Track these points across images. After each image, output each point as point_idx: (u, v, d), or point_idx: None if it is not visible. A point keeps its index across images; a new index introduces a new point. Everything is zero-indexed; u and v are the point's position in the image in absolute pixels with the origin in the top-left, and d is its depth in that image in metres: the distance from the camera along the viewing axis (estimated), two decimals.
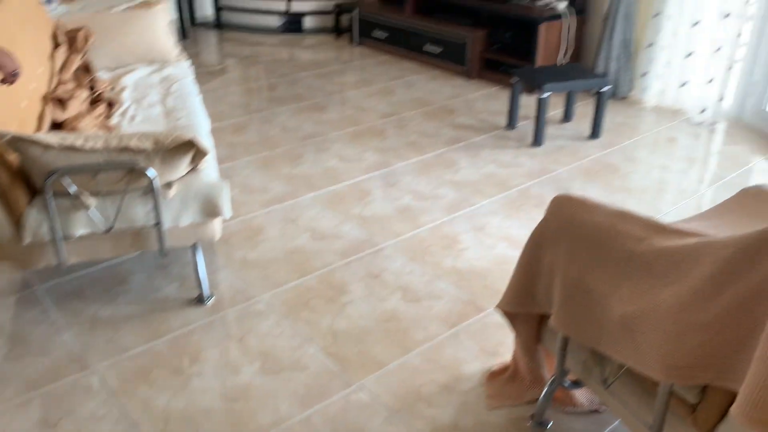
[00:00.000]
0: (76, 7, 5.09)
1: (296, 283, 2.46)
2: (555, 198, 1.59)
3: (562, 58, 4.63)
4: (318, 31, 6.28)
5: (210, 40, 6.05)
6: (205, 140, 2.68)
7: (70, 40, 3.35)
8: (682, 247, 1.26)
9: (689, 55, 4.05)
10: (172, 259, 2.60)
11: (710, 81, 3.95)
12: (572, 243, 1.48)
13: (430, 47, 5.12)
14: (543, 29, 4.40)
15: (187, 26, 6.13)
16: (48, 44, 3.14)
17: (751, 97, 3.93)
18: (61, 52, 3.19)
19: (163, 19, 3.65)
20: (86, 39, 3.38)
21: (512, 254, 2.66)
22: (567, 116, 4.07)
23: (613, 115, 4.18)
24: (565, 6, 4.52)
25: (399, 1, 5.58)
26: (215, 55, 5.61)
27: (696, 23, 3.95)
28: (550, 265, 1.54)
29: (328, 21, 6.27)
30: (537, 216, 2.97)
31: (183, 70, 3.49)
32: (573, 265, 1.47)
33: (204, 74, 5.02)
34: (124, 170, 2.03)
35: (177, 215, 2.16)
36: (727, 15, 3.77)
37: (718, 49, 3.86)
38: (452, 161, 3.54)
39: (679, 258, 1.25)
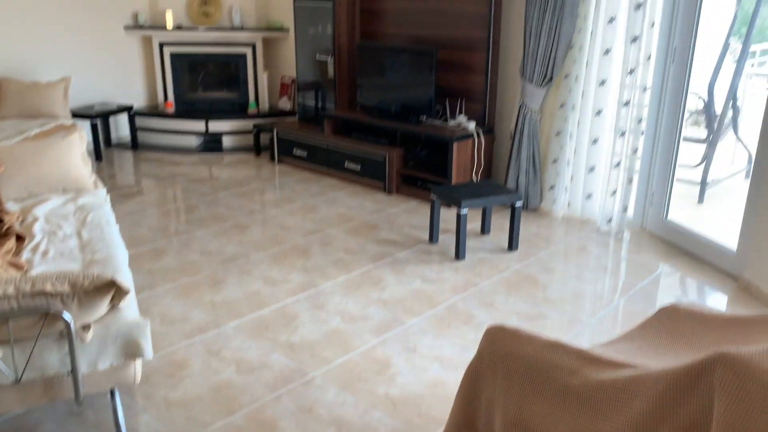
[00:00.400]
0: None
1: (222, 424, 2.32)
2: (487, 330, 1.61)
3: (475, 175, 4.87)
4: (237, 149, 6.35)
5: (126, 161, 5.97)
6: (125, 274, 2.58)
7: None
8: (616, 381, 1.29)
9: (592, 169, 4.36)
10: (88, 404, 2.41)
11: (613, 193, 4.24)
12: (507, 377, 1.49)
13: (349, 164, 5.27)
14: (456, 148, 4.64)
15: (102, 148, 6.05)
16: None
17: (651, 207, 4.23)
18: None
19: (78, 147, 3.59)
20: None
21: (446, 376, 2.65)
22: (485, 229, 4.22)
23: (527, 226, 4.38)
24: (475, 126, 4.82)
25: (317, 121, 5.77)
26: (132, 176, 5.53)
27: (595, 140, 4.29)
28: (489, 401, 1.54)
29: (248, 140, 6.36)
30: (467, 334, 2.99)
31: (99, 198, 3.40)
32: (510, 400, 1.47)
33: (120, 197, 4.91)
34: (38, 315, 1.91)
35: (95, 359, 2.03)
36: (623, 133, 4.12)
37: (618, 164, 4.18)
38: (379, 278, 3.55)
39: (615, 392, 1.28)
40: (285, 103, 6.58)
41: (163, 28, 6.26)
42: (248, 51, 6.48)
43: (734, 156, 5.84)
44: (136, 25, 6.35)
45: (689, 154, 5.36)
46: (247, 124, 6.34)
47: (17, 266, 2.52)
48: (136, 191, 5.10)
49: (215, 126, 6.30)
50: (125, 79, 6.50)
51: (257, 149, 6.20)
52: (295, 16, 5.88)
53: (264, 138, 6.26)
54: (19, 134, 4.86)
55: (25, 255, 2.66)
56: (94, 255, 2.66)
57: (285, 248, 3.97)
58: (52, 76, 5.92)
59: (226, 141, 6.36)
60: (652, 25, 3.86)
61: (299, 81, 6.05)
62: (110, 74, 6.37)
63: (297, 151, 5.70)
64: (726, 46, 5.08)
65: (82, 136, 3.65)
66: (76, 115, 5.78)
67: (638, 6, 3.85)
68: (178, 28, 6.28)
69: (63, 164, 3.48)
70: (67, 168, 3.48)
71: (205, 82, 6.72)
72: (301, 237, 4.15)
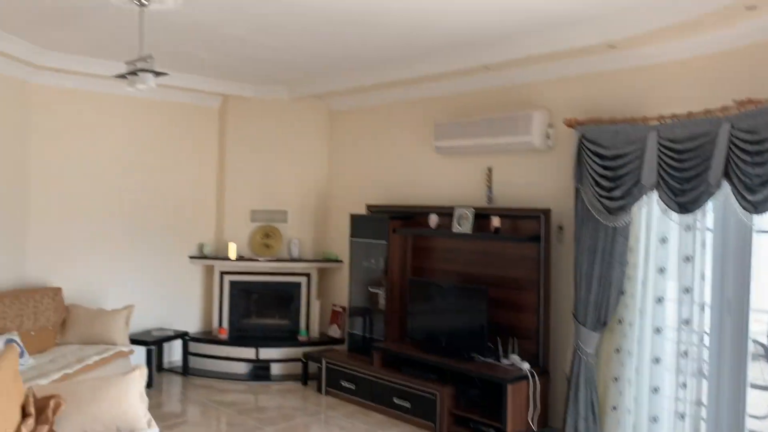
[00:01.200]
0: (45, 358, 5.10)
1: None
2: None
3: (531, 421, 4.68)
4: (286, 377, 6.33)
5: (175, 387, 5.99)
6: None
7: (38, 410, 3.27)
8: None
9: (655, 419, 4.16)
10: None
11: None
12: None
13: (398, 401, 5.15)
14: (511, 391, 4.53)
15: (154, 373, 6.12)
16: (16, 416, 3.04)
17: None
18: (29, 424, 3.08)
19: (136, 387, 3.64)
20: (56, 409, 3.30)
21: None
22: None
23: None
24: (529, 367, 4.74)
25: (366, 353, 5.79)
26: (179, 404, 5.51)
27: (656, 389, 4.15)
28: None
29: (296, 368, 6.37)
30: None
31: None
32: None
33: (165, 429, 4.84)
34: None
35: None
36: (684, 384, 3.98)
37: (683, 415, 3.99)
38: None
39: None
40: (335, 331, 6.67)
41: (226, 258, 6.66)
42: (303, 280, 6.77)
43: None
44: (200, 255, 6.78)
45: (756, 403, 5.09)
46: (296, 351, 6.38)
47: None
48: (182, 422, 5.04)
49: (265, 353, 6.37)
50: (183, 305, 6.78)
51: (305, 378, 6.17)
52: (351, 251, 6.21)
53: (312, 365, 6.26)
54: (78, 362, 4.99)
55: None
56: None
57: None
58: (117, 303, 6.22)
59: (275, 368, 6.37)
60: (703, 277, 3.93)
61: (350, 309, 6.20)
62: (170, 300, 6.67)
63: (344, 383, 5.64)
64: None
65: (142, 373, 3.72)
66: (134, 341, 5.95)
67: (687, 259, 3.96)
68: (240, 258, 6.68)
69: (121, 403, 3.51)
70: (125, 408, 3.51)
71: (259, 308, 6.95)
72: None
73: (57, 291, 5.68)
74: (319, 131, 7.02)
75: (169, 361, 6.65)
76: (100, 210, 6.18)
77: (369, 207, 6.23)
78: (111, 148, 6.24)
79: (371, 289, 6.09)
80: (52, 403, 3.33)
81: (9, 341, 4.77)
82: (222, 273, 6.74)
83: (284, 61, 5.63)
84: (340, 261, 6.76)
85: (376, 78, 5.86)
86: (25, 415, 3.19)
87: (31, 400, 3.29)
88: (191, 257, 6.78)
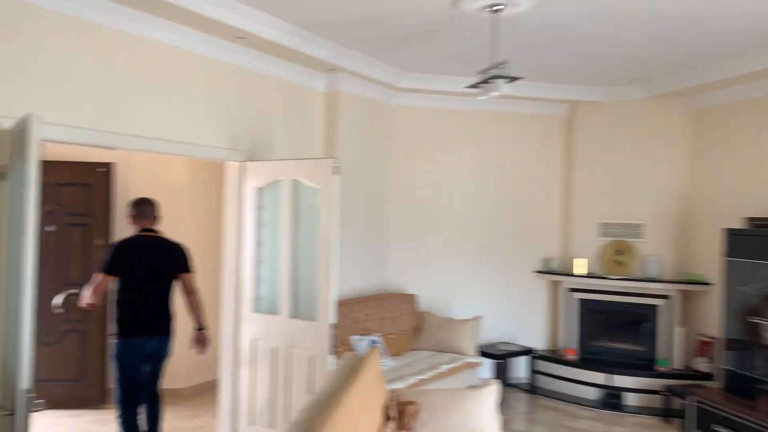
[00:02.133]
0: (402, 362, 5.37)
1: None
2: None
3: None
4: (641, 410, 5.63)
5: (521, 405, 5.80)
6: None
7: (399, 414, 3.35)
8: None
9: None
10: None
11: None
12: None
13: None
14: None
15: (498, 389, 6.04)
16: (379, 419, 3.14)
17: None
18: (390, 428, 3.16)
19: (489, 402, 3.51)
20: (414, 415, 3.34)
21: None
22: None
23: None
24: None
25: (747, 395, 4.77)
26: (525, 423, 5.29)
27: None
28: None
29: (653, 401, 5.62)
30: None
31: None
32: None
33: None
34: None
35: None
36: None
37: None
38: None
39: None
40: (701, 364, 5.72)
41: (573, 274, 6.27)
42: (661, 303, 5.98)
43: None
44: (546, 270, 6.51)
45: None
46: (654, 383, 5.64)
47: None
48: None
49: (619, 381, 5.76)
50: (528, 320, 6.59)
51: (667, 414, 5.39)
52: (725, 272, 5.24)
53: (675, 403, 5.44)
54: (432, 368, 5.14)
55: None
56: None
57: None
58: (462, 313, 6.32)
59: (629, 398, 5.72)
60: None
61: (725, 342, 5.21)
62: (514, 315, 6.55)
63: (718, 428, 4.72)
64: None
65: (495, 389, 3.57)
66: (482, 353, 5.96)
67: None
68: (589, 275, 6.21)
69: (474, 418, 3.40)
70: (477, 422, 3.39)
71: (608, 330, 6.37)
72: None
73: (412, 298, 6.01)
74: (679, 133, 6.16)
75: (513, 377, 6.52)
76: (451, 222, 6.38)
77: (749, 220, 5.18)
78: (461, 163, 6.42)
79: (751, 319, 5.02)
80: (411, 409, 3.38)
81: (373, 342, 5.16)
82: (569, 290, 6.36)
83: (641, 56, 5.04)
84: (709, 283, 5.78)
85: (761, 63, 4.86)
86: (387, 418, 3.29)
87: (393, 403, 3.39)
88: (536, 272, 6.56)
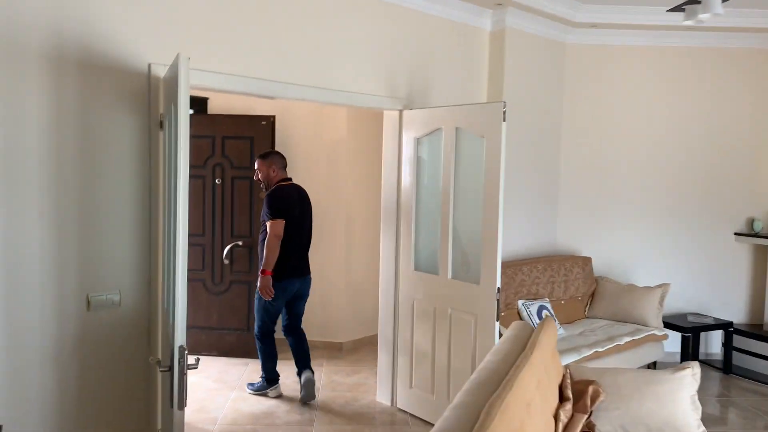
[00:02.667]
0: (575, 330, 4.86)
1: None
2: None
3: None
4: None
5: (713, 385, 5.05)
6: None
7: (576, 395, 2.91)
8: None
9: None
10: None
11: None
12: None
13: None
14: None
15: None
16: (554, 399, 2.73)
17: None
18: (566, 410, 2.74)
19: (689, 389, 2.94)
20: (594, 398, 2.89)
21: None
22: None
23: None
24: None
25: None
26: (717, 405, 4.59)
27: None
28: None
29: None
30: None
31: None
32: None
33: None
34: None
35: None
36: None
37: None
38: None
39: None
40: None
41: None
42: None
43: None
44: (750, 233, 5.56)
45: None
46: None
47: None
48: (721, 430, 4.13)
49: None
50: (725, 289, 5.70)
51: None
52: None
53: None
54: (609, 340, 4.58)
55: None
56: None
57: None
58: (647, 280, 5.60)
59: None
60: None
61: None
62: (708, 283, 5.69)
63: None
64: None
65: (695, 375, 2.99)
66: (666, 324, 5.25)
67: None
68: None
69: (669, 406, 2.87)
70: (673, 412, 2.86)
71: None
72: None
73: (587, 261, 5.42)
74: None
75: (705, 353, 5.72)
76: (634, 177, 5.63)
77: None
78: (648, 110, 5.59)
79: None
80: (590, 389, 2.93)
81: (541, 308, 4.70)
82: None
83: None
84: None
85: None
86: (562, 397, 2.88)
87: (568, 382, 2.95)
88: (737, 234, 5.62)
